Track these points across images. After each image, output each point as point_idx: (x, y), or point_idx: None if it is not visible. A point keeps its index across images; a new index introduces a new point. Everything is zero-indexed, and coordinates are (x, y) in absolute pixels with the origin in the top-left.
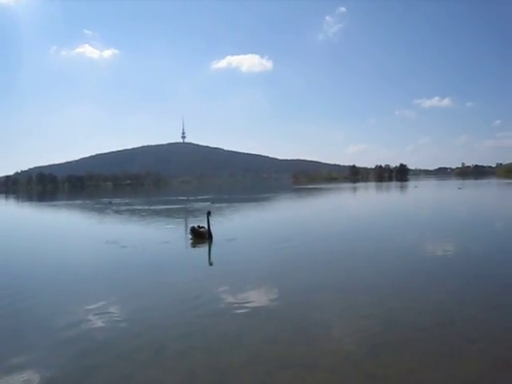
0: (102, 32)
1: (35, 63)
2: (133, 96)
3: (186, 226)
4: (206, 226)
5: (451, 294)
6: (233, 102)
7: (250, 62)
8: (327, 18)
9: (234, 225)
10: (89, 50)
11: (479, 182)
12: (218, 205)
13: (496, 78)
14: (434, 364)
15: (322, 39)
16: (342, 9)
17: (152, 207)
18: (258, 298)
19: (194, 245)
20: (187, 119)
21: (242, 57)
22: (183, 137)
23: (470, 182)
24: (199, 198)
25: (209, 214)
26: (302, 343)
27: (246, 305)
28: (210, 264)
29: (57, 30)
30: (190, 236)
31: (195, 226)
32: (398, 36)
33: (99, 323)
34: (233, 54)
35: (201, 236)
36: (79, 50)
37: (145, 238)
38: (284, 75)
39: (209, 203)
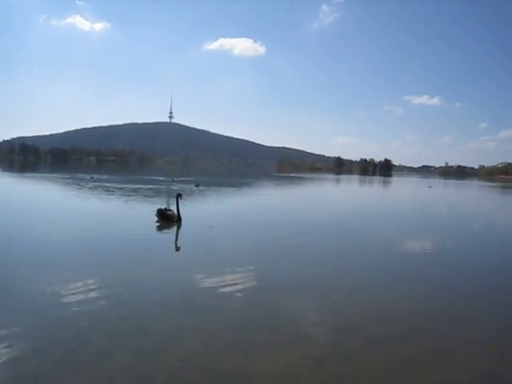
0: (94, 4)
1: (23, 31)
2: (122, 71)
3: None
4: (173, 209)
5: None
6: (222, 85)
7: (242, 46)
8: (323, 6)
9: (209, 208)
10: (79, 21)
11: (459, 182)
12: (202, 187)
13: (486, 82)
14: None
15: (316, 28)
16: None
17: (134, 186)
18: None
19: (160, 228)
20: (175, 99)
21: (235, 40)
22: (170, 116)
23: (447, 182)
24: (183, 179)
25: (179, 196)
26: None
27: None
28: (177, 249)
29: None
30: (157, 218)
31: (162, 207)
32: (392, 31)
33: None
34: (226, 37)
35: (168, 219)
36: (70, 20)
37: (114, 218)
38: (276, 61)
39: (193, 185)
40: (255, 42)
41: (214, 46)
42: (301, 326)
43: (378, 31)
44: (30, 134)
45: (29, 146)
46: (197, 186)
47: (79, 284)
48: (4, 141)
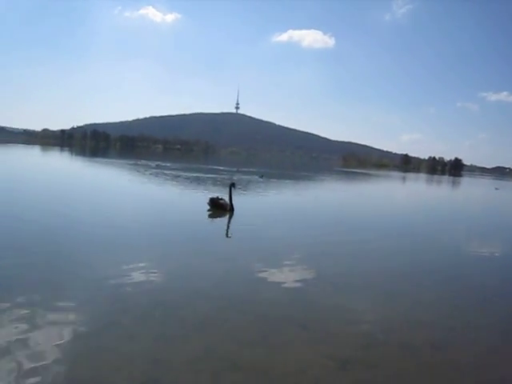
0: None
1: (99, 22)
2: (191, 62)
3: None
4: (225, 199)
5: None
6: (290, 77)
7: (311, 38)
8: None
9: (265, 200)
10: (152, 13)
11: None
12: (268, 179)
13: None
14: None
15: (388, 20)
16: None
17: (194, 174)
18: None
19: (211, 216)
20: (242, 90)
21: (304, 32)
22: (237, 107)
23: None
24: (247, 170)
25: (232, 185)
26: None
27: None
28: (227, 238)
29: None
30: (208, 207)
31: (215, 196)
32: (468, 24)
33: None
34: (295, 29)
35: (221, 207)
36: (142, 11)
37: (169, 205)
38: (345, 54)
39: (258, 176)
40: (324, 33)
41: (283, 37)
42: (334, 325)
43: (453, 24)
44: (102, 121)
45: (100, 133)
46: (261, 177)
47: (125, 267)
48: (78, 127)
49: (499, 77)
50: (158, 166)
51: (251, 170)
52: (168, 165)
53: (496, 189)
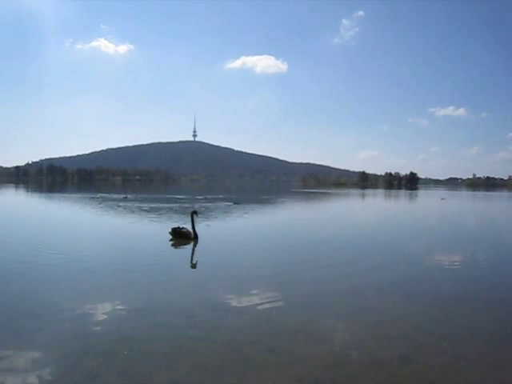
0: (118, 27)
1: (50, 55)
2: (146, 92)
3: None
4: (187, 227)
5: None
6: (245, 103)
7: (264, 63)
8: (344, 21)
9: (228, 226)
10: (104, 44)
11: (486, 194)
12: (243, 205)
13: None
14: None
15: (337, 43)
16: (360, 12)
17: (160, 204)
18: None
19: (175, 246)
20: (199, 118)
21: (256, 57)
22: (194, 135)
23: (473, 194)
24: (216, 197)
25: (194, 213)
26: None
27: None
28: (192, 267)
29: (73, 24)
30: (171, 237)
31: (176, 226)
32: (415, 43)
33: None
34: (247, 55)
35: (184, 236)
36: (95, 43)
37: (128, 238)
38: (298, 78)
39: (231, 203)
40: (277, 58)
41: (236, 64)
42: (303, 346)
43: (400, 44)
44: (58, 156)
45: (56, 167)
46: (237, 203)
47: (87, 303)
48: (33, 162)
49: (445, 92)
50: (125, 199)
51: (219, 196)
52: (131, 196)
53: (442, 199)
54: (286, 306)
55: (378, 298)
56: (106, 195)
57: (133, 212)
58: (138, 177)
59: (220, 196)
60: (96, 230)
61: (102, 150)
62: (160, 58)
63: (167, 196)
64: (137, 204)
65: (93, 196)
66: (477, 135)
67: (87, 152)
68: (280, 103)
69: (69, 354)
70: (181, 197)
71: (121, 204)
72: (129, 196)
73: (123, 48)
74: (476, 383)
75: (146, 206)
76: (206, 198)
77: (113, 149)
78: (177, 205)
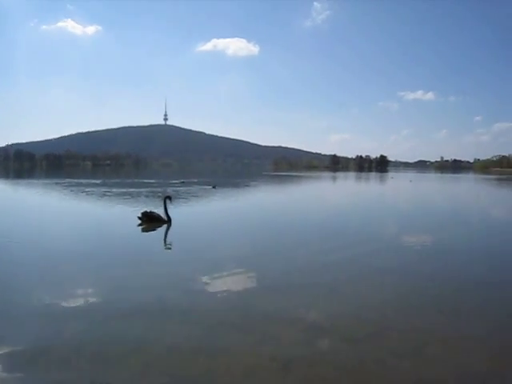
0: (85, 7)
1: (14, 36)
2: (116, 74)
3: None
4: (161, 211)
5: None
6: (217, 86)
7: (236, 46)
8: (315, 4)
9: (203, 210)
10: (71, 25)
11: (453, 176)
12: (218, 189)
13: (480, 75)
14: None
15: (309, 26)
16: None
17: (124, 189)
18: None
19: (146, 229)
20: (170, 101)
21: (228, 40)
22: (165, 119)
23: (441, 176)
24: (195, 181)
25: (168, 198)
26: None
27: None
28: (166, 247)
29: (38, 3)
30: (140, 221)
31: (148, 210)
32: (386, 27)
33: None
34: (219, 37)
35: (156, 220)
36: (61, 24)
37: (98, 223)
38: (270, 60)
39: (210, 187)
40: (248, 41)
41: (207, 46)
42: (275, 326)
43: (372, 27)
44: (25, 141)
45: (24, 153)
46: (214, 187)
47: (58, 289)
48: None
49: (414, 77)
50: (103, 183)
51: (194, 180)
52: (101, 181)
53: (410, 181)
54: (258, 287)
55: (349, 277)
56: (75, 180)
57: (102, 197)
58: (108, 161)
59: (195, 180)
60: (62, 216)
61: (72, 135)
62: (130, 41)
63: (139, 181)
64: (106, 189)
65: (60, 181)
66: (445, 119)
67: (56, 136)
68: (252, 86)
69: (38, 340)
70: (152, 181)
71: (87, 189)
72: (106, 181)
73: (91, 29)
74: (440, 354)
75: (116, 190)
76: (183, 183)
77: (82, 133)
78: (148, 189)
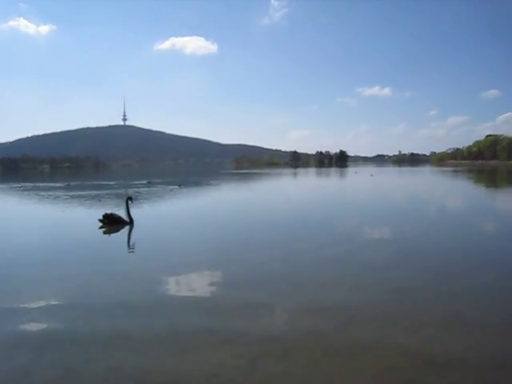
0: (38, 6)
1: None
2: (72, 75)
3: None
4: (122, 213)
5: None
6: (176, 85)
7: (194, 45)
8: (273, 1)
9: (162, 210)
10: (24, 24)
11: (410, 169)
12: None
13: (434, 70)
14: None
15: (267, 23)
16: None
17: (98, 192)
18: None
19: (108, 232)
20: (129, 101)
21: (186, 38)
22: (124, 119)
23: (399, 170)
24: (160, 181)
25: (129, 199)
26: None
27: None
28: (130, 249)
29: None
30: (101, 224)
31: (108, 212)
32: (343, 23)
33: None
34: (177, 36)
35: (117, 222)
36: (12, 23)
37: (59, 227)
38: (229, 59)
39: (177, 186)
40: (207, 40)
41: (165, 45)
42: (240, 323)
43: (329, 23)
44: None
45: None
46: (180, 186)
47: (17, 298)
48: None
49: (371, 73)
50: (68, 186)
51: (158, 180)
52: (62, 184)
53: (371, 175)
54: (221, 286)
55: (312, 272)
56: (32, 184)
57: (61, 200)
58: (67, 164)
59: (159, 180)
60: (20, 220)
61: (28, 137)
62: (85, 40)
63: (99, 182)
64: (65, 192)
65: (17, 186)
66: (402, 113)
67: (11, 140)
68: (211, 85)
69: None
70: (113, 183)
71: (45, 193)
72: (65, 184)
73: (45, 28)
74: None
75: (75, 193)
76: (149, 183)
77: (38, 135)
78: (109, 191)
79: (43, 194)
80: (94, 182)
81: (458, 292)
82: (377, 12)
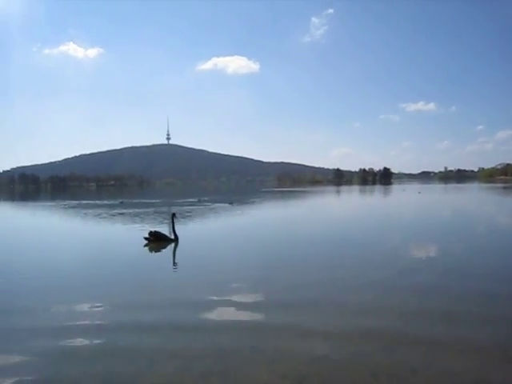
0: (86, 31)
1: (18, 61)
2: (118, 96)
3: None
4: (167, 230)
5: None
6: (218, 104)
7: (236, 64)
8: (314, 19)
9: (208, 227)
10: (73, 48)
11: (457, 186)
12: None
13: (480, 84)
14: None
15: (308, 41)
16: (330, 10)
17: (126, 210)
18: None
19: (153, 249)
20: (172, 120)
21: (228, 58)
22: (168, 138)
23: (445, 187)
24: (206, 198)
25: (174, 215)
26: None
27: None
28: (174, 266)
29: (40, 29)
30: (146, 241)
31: (152, 230)
32: (385, 39)
33: None
34: (219, 56)
35: (162, 239)
36: (63, 47)
37: (110, 243)
38: (270, 77)
39: (228, 204)
40: (249, 59)
41: (208, 65)
42: (286, 343)
43: (370, 39)
44: (29, 164)
45: (28, 176)
46: (231, 203)
47: (67, 312)
48: (4, 171)
49: (415, 88)
50: (121, 204)
51: (205, 198)
52: (108, 203)
53: (419, 193)
54: (265, 305)
55: (358, 293)
56: (80, 202)
57: (109, 218)
58: (112, 182)
59: (206, 198)
60: (69, 238)
61: (75, 157)
62: (131, 62)
63: (146, 201)
64: (112, 210)
65: (65, 203)
66: (447, 129)
67: (60, 159)
68: (253, 103)
69: (50, 363)
70: (157, 201)
71: (92, 210)
72: (111, 202)
73: (93, 52)
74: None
75: (122, 211)
76: (199, 201)
77: (86, 155)
78: (153, 209)
79: (92, 211)
80: (142, 200)
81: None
82: (419, 26)
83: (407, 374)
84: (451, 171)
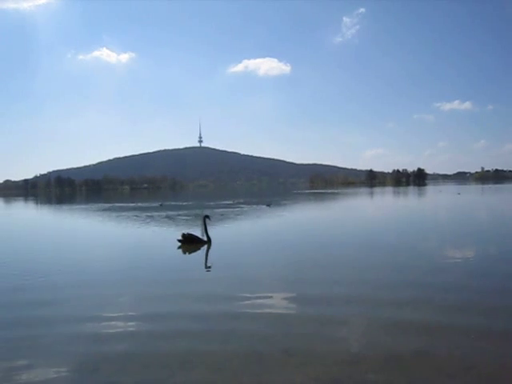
0: (119, 36)
1: (52, 67)
2: (150, 100)
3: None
4: (199, 232)
5: None
6: (250, 106)
7: (267, 66)
8: (345, 19)
9: (244, 228)
10: (106, 54)
11: (495, 186)
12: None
13: None
14: None
15: (339, 41)
16: (361, 9)
17: (180, 212)
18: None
19: (186, 251)
20: (204, 123)
21: (259, 60)
22: (200, 141)
23: (483, 187)
24: (241, 201)
25: (206, 217)
26: None
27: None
28: (207, 268)
29: (74, 35)
30: (179, 244)
31: (185, 232)
32: (418, 37)
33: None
34: (249, 58)
35: (195, 241)
36: (96, 53)
37: (145, 244)
38: (302, 78)
39: (265, 206)
40: (280, 61)
41: (239, 67)
42: (318, 346)
43: (403, 39)
44: (65, 167)
45: (64, 179)
46: (268, 205)
47: (101, 313)
48: (41, 175)
49: (450, 87)
50: (161, 206)
51: (240, 200)
52: (141, 204)
53: (458, 194)
54: (300, 307)
55: (394, 294)
56: (115, 204)
57: (143, 220)
58: (145, 185)
59: (241, 200)
60: (103, 239)
61: (109, 160)
62: (162, 65)
63: (183, 203)
64: (145, 212)
65: (100, 206)
66: (483, 128)
67: (94, 162)
68: (285, 105)
69: (85, 362)
70: (190, 203)
71: (126, 213)
72: (143, 205)
73: (125, 56)
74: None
75: (155, 213)
76: (238, 203)
77: (119, 158)
78: (197, 211)
79: (126, 213)
80: (179, 203)
81: None
82: (455, 24)
83: (443, 378)
84: (488, 171)
